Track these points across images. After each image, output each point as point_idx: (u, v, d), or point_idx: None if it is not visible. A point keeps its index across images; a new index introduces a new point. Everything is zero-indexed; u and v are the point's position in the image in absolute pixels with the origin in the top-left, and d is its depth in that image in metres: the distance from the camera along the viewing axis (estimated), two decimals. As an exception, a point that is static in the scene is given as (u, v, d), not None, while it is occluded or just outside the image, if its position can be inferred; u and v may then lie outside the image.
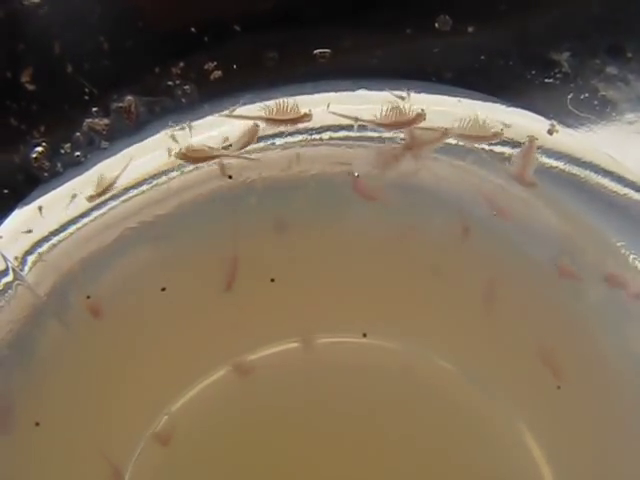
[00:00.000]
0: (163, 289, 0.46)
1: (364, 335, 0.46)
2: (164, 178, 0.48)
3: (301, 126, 0.48)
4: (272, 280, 0.46)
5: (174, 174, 0.48)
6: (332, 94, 0.48)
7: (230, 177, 0.47)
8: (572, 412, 0.45)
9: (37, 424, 0.44)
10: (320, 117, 0.48)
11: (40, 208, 0.47)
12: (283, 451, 0.44)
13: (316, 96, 0.48)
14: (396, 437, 0.45)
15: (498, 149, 0.48)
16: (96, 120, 0.46)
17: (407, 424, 0.45)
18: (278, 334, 0.46)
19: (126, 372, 0.45)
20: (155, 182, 0.48)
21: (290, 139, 0.48)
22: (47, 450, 0.44)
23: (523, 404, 0.45)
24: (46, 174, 0.47)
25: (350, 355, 0.46)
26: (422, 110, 0.47)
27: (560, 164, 0.47)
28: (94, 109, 0.46)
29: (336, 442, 0.45)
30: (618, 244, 0.46)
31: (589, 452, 0.44)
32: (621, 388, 0.45)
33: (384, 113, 0.47)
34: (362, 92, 0.48)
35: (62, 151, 0.47)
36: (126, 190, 0.48)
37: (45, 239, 0.47)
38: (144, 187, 0.48)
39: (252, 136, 0.47)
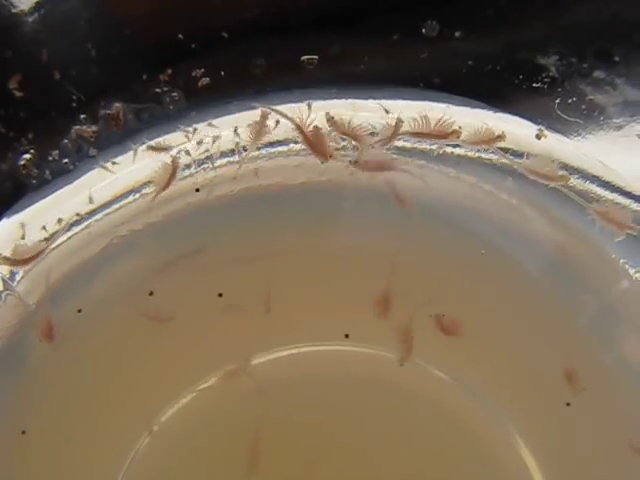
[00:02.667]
0: (151, 293, 0.46)
1: (346, 336, 0.46)
2: (153, 187, 0.48)
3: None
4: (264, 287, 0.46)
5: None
6: (320, 102, 0.48)
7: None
8: (569, 424, 0.45)
9: (23, 432, 0.44)
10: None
11: (29, 216, 0.47)
12: (273, 461, 0.44)
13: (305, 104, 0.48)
14: (387, 443, 0.45)
15: (487, 155, 0.48)
16: (84, 127, 0.47)
17: (399, 431, 0.45)
18: (270, 342, 0.46)
19: (114, 381, 0.45)
20: (144, 191, 0.48)
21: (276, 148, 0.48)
22: (32, 458, 0.44)
23: (519, 416, 0.45)
24: (34, 181, 0.47)
25: (344, 364, 0.46)
26: (460, 128, 0.47)
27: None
28: (82, 116, 0.46)
29: (330, 450, 0.45)
30: (608, 249, 0.46)
31: (586, 464, 0.44)
32: (620, 401, 0.45)
33: (423, 124, 0.47)
34: (351, 100, 0.48)
35: (50, 158, 0.47)
36: (116, 199, 0.48)
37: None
38: (134, 196, 0.48)
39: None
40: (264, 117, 0.47)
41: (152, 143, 0.47)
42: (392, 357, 0.46)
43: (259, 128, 0.47)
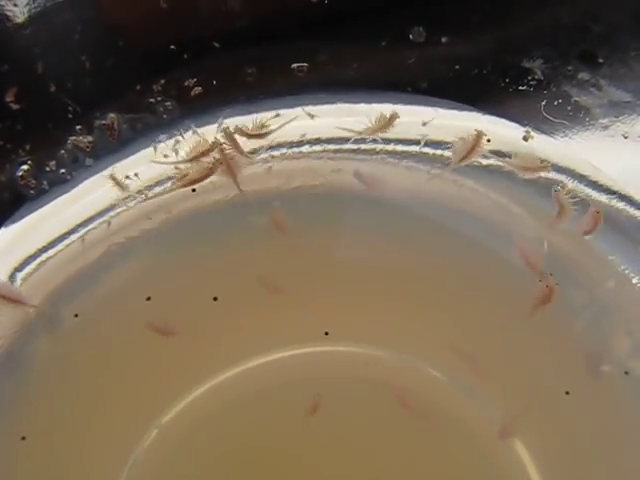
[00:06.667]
0: (148, 298, 0.46)
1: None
2: (149, 193, 0.48)
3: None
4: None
5: (159, 190, 0.48)
6: (311, 107, 0.49)
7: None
8: (565, 423, 0.45)
9: (23, 438, 0.44)
10: (299, 129, 0.49)
11: (28, 225, 0.48)
12: (270, 462, 0.45)
13: (297, 109, 0.49)
14: (382, 443, 0.45)
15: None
16: (80, 138, 0.47)
17: (393, 430, 0.46)
18: (266, 345, 0.47)
19: (114, 386, 0.46)
20: (140, 198, 0.48)
21: (271, 152, 0.49)
22: (32, 465, 0.44)
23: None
24: (32, 192, 0.47)
25: (340, 365, 0.47)
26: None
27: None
28: (78, 127, 0.47)
29: (325, 451, 0.45)
30: (599, 248, 0.47)
31: (582, 462, 0.45)
32: (618, 406, 0.45)
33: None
34: (341, 104, 0.49)
35: (47, 169, 0.47)
36: (112, 206, 0.48)
37: (34, 256, 0.47)
38: (130, 203, 0.48)
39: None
40: (394, 117, 0.48)
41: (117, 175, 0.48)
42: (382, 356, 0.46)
43: (384, 125, 0.48)
